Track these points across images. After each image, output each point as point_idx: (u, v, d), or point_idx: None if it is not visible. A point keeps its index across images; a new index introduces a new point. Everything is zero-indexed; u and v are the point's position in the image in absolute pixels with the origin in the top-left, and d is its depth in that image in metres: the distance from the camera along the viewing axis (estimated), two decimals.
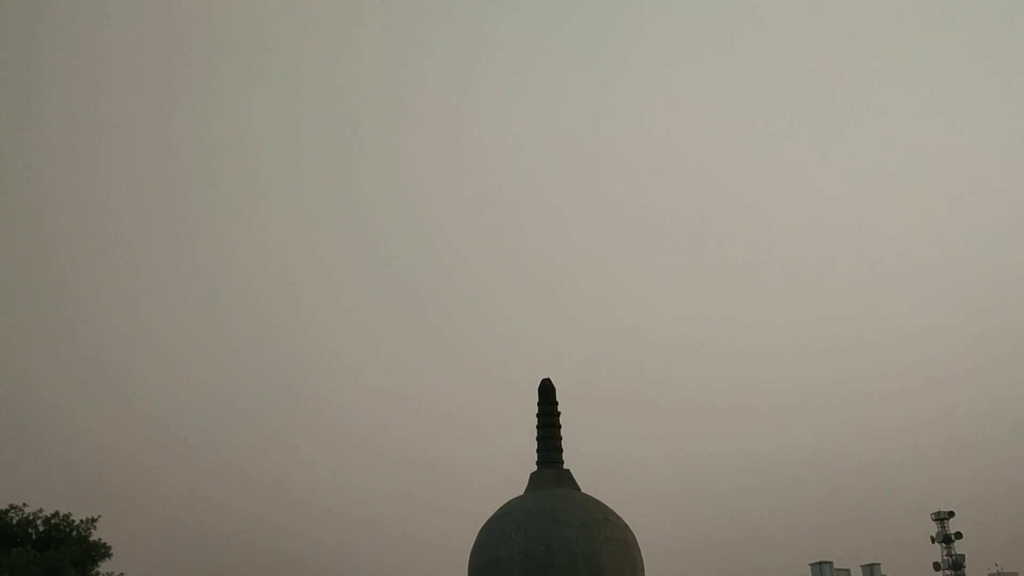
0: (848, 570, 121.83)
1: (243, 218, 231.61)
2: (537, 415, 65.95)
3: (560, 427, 65.89)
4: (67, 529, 46.16)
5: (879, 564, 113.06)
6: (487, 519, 62.88)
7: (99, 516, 47.02)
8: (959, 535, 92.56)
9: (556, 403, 66.13)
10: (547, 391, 66.15)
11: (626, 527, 62.03)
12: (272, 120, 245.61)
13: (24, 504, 46.72)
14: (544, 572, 57.90)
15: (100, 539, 46.95)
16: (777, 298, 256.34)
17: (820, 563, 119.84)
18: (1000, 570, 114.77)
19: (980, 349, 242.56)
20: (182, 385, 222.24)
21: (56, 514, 46.74)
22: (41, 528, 46.10)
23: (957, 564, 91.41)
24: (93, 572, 46.53)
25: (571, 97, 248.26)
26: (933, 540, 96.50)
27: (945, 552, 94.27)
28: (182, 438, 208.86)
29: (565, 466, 64.98)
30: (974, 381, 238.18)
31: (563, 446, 65.69)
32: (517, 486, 65.08)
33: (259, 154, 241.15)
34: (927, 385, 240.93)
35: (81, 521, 46.65)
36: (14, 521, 45.99)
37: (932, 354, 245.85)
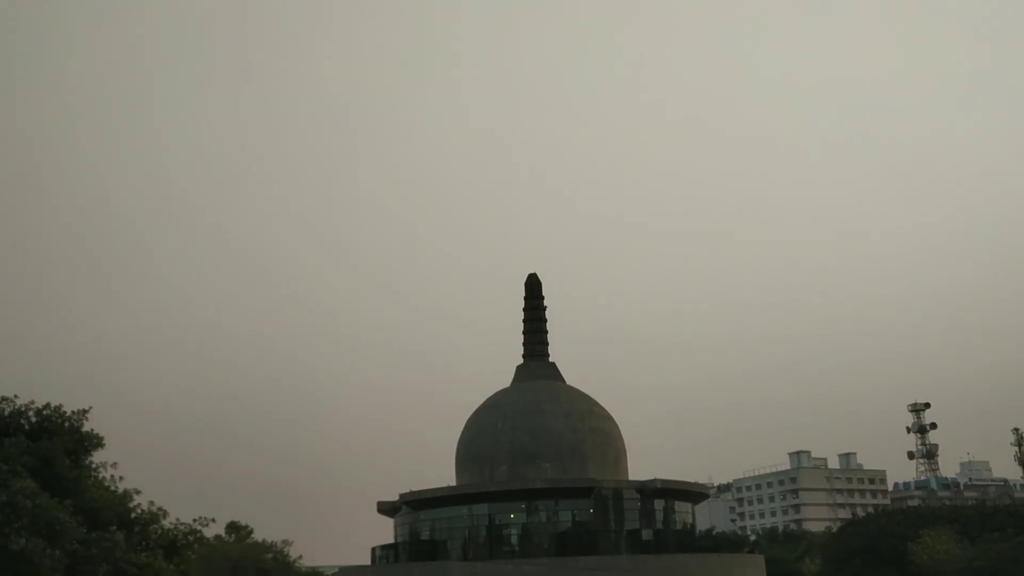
0: (825, 459, 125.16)
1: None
2: (524, 309, 66.34)
3: (546, 321, 66.39)
4: (59, 420, 46.37)
5: (855, 453, 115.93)
6: (475, 411, 63.92)
7: (91, 407, 47.14)
8: (934, 426, 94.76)
9: (542, 297, 66.50)
10: (533, 285, 66.41)
11: (610, 418, 63.20)
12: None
13: (15, 396, 46.80)
14: (530, 462, 59.22)
15: (92, 430, 47.24)
16: (768, 191, 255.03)
17: (798, 452, 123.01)
18: (972, 459, 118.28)
19: (958, 250, 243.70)
20: (171, 284, 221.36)
21: (48, 405, 46.86)
22: (33, 419, 46.32)
23: (930, 453, 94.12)
24: (87, 461, 47.03)
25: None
26: (908, 430, 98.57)
27: (920, 442, 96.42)
28: (172, 331, 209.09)
29: (551, 359, 65.71)
30: (951, 280, 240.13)
31: (549, 340, 66.30)
32: (504, 378, 66.05)
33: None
34: (906, 283, 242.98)
35: (73, 412, 46.80)
36: (6, 412, 46.20)
37: (911, 253, 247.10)
